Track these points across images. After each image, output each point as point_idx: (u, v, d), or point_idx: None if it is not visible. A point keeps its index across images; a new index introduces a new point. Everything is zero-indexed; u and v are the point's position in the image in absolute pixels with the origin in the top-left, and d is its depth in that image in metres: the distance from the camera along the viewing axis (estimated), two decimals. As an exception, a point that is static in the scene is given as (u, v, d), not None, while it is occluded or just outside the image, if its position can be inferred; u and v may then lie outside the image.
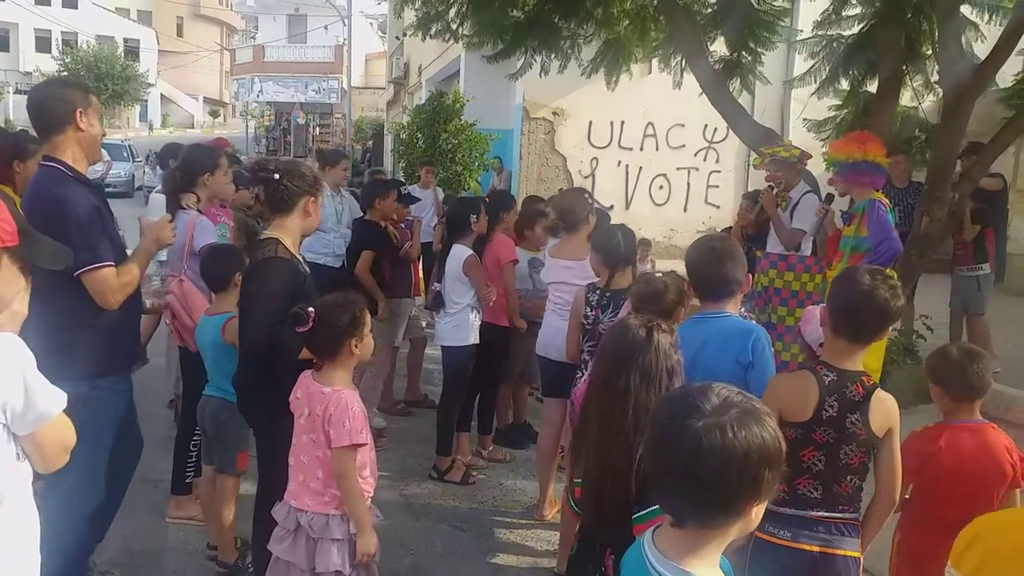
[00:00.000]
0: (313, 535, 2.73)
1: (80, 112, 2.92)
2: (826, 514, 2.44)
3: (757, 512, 1.40)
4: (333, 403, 2.69)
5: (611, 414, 2.20)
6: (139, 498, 4.19)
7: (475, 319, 4.86)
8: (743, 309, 3.23)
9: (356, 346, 2.77)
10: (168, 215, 3.38)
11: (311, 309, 2.70)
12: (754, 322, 3.16)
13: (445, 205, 7.39)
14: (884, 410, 2.42)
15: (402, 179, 9.23)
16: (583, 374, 3.74)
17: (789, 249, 5.29)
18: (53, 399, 1.80)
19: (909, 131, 7.50)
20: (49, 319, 2.74)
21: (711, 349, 2.80)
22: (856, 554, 2.47)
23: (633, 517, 2.19)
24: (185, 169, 4.18)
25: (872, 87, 6.77)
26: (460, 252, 4.85)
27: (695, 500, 1.37)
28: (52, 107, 2.92)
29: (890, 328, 2.55)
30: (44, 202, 2.84)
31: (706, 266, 2.90)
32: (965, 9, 5.94)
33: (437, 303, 5.09)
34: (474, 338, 4.86)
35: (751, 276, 3.05)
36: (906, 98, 7.13)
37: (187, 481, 4.10)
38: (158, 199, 3.45)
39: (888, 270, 2.92)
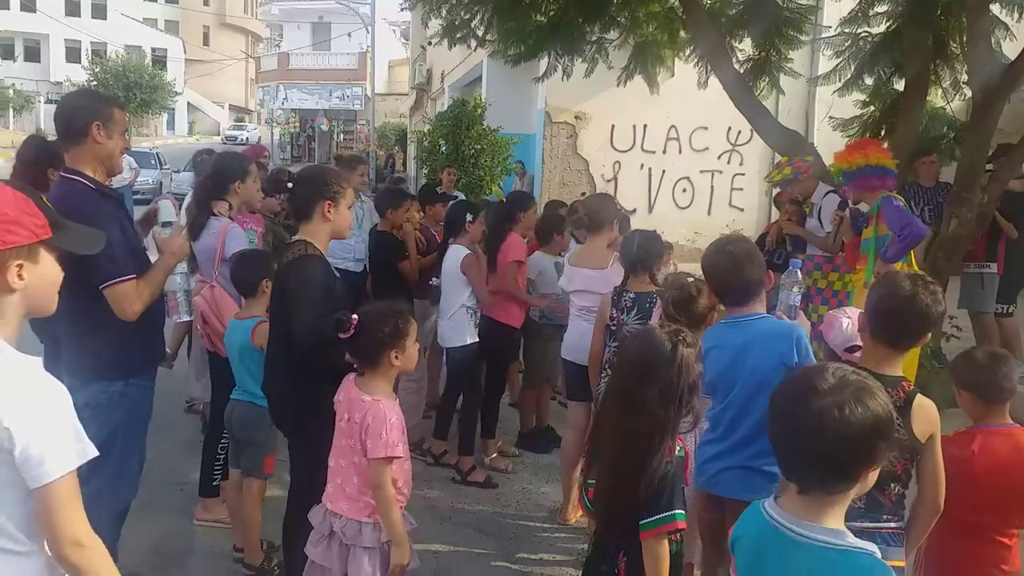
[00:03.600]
0: (346, 541, 2.74)
1: (98, 125, 2.91)
2: (870, 524, 2.38)
3: (872, 476, 1.58)
4: (372, 413, 2.68)
5: (627, 426, 2.19)
6: (166, 501, 4.25)
7: (472, 318, 4.87)
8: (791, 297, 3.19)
9: (397, 357, 2.74)
10: (182, 226, 3.38)
11: (355, 316, 2.69)
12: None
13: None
14: (926, 416, 2.37)
15: (431, 183, 9.24)
16: (607, 375, 3.76)
17: (828, 252, 5.28)
18: (60, 458, 1.61)
19: (937, 130, 7.41)
20: (83, 322, 2.79)
21: (755, 351, 2.76)
22: (900, 563, 2.42)
23: (641, 523, 2.18)
24: (216, 177, 4.22)
25: (899, 85, 6.71)
26: (458, 252, 4.87)
27: (818, 471, 1.56)
28: (71, 118, 2.94)
29: (929, 334, 2.50)
30: (66, 217, 2.88)
31: (725, 272, 2.87)
32: (995, 8, 5.86)
33: (434, 298, 5.14)
34: (472, 337, 4.87)
35: (771, 272, 3.02)
36: (935, 96, 7.05)
37: (214, 484, 4.13)
38: (166, 205, 3.45)
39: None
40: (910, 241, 4.40)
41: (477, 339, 4.89)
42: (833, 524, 1.59)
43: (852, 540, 1.58)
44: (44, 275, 1.75)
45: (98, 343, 2.83)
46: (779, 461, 1.66)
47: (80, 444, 1.67)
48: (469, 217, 4.93)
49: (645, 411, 2.16)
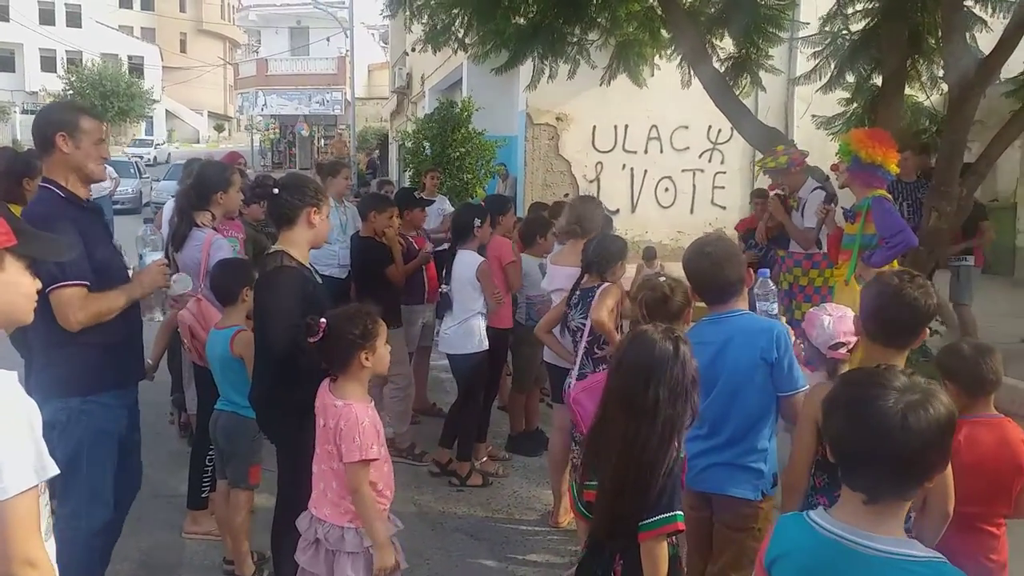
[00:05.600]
0: (329, 547, 2.73)
1: (63, 136, 2.89)
2: None
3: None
4: (344, 418, 2.68)
5: (637, 428, 2.17)
6: (154, 514, 4.21)
7: (483, 324, 4.87)
8: (767, 307, 3.21)
9: (367, 359, 2.74)
10: (163, 260, 3.29)
11: (322, 320, 2.69)
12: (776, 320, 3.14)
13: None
14: None
15: (410, 187, 9.18)
16: (576, 375, 3.82)
17: (807, 249, 5.29)
18: (17, 475, 1.57)
19: (919, 123, 7.48)
20: (47, 336, 2.74)
21: (735, 347, 2.77)
22: None
23: (640, 524, 2.18)
24: (199, 187, 4.19)
25: (879, 81, 6.77)
26: (471, 259, 4.86)
27: (896, 475, 1.49)
28: (39, 130, 2.94)
29: (926, 329, 2.50)
30: (31, 223, 2.83)
31: (704, 273, 2.88)
32: (969, 3, 5.92)
33: (444, 306, 5.09)
34: (483, 343, 4.86)
35: (751, 270, 3.04)
36: (916, 90, 7.12)
37: (203, 496, 4.10)
38: (152, 239, 3.37)
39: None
40: (898, 250, 4.40)
41: (487, 344, 4.88)
42: (901, 535, 1.54)
43: (929, 551, 1.52)
44: (10, 283, 1.71)
45: (57, 358, 2.76)
46: (843, 469, 1.57)
47: (40, 462, 1.62)
48: (478, 222, 4.92)
49: (656, 411, 2.15)
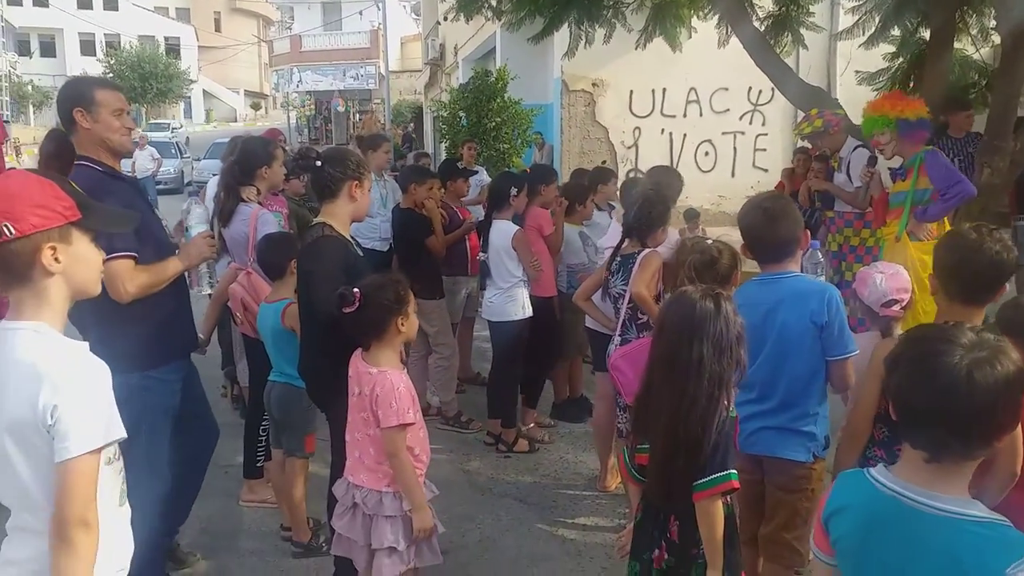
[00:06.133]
0: (367, 511, 2.79)
1: (80, 111, 2.92)
2: None
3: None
4: (379, 384, 2.73)
5: (683, 387, 2.17)
6: (211, 484, 4.29)
7: (526, 293, 4.88)
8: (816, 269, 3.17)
9: (402, 324, 2.80)
10: (209, 232, 3.34)
11: (356, 289, 2.73)
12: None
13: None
14: None
15: (452, 158, 9.18)
16: (620, 338, 3.82)
17: (858, 208, 5.20)
18: (84, 436, 1.64)
19: (968, 78, 7.24)
20: (100, 313, 2.75)
21: (785, 309, 2.74)
22: None
23: (695, 484, 2.19)
24: (243, 163, 4.24)
25: (926, 35, 6.56)
26: (507, 227, 4.87)
27: (960, 435, 1.44)
28: (60, 108, 2.98)
29: (1005, 285, 2.43)
30: None
31: (759, 229, 2.82)
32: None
33: (484, 274, 5.12)
34: (527, 311, 4.88)
35: (808, 233, 2.98)
36: (965, 43, 6.88)
37: (258, 465, 4.21)
38: (199, 213, 3.43)
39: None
40: (955, 202, 4.30)
41: (531, 312, 4.90)
42: (964, 495, 1.50)
43: (991, 512, 1.48)
44: (80, 256, 1.77)
45: (113, 335, 2.78)
46: (906, 426, 1.54)
47: (107, 426, 1.69)
48: (514, 191, 4.92)
49: (702, 367, 2.15)
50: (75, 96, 2.94)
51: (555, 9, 7.29)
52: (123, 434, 1.74)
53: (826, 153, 5.52)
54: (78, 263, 1.77)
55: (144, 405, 2.91)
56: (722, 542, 2.22)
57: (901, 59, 7.11)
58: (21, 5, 45.48)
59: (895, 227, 4.53)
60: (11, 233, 1.64)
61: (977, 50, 7.11)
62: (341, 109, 38.13)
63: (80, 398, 1.65)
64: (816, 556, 1.70)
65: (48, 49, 47.61)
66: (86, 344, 1.76)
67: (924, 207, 4.38)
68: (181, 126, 41.98)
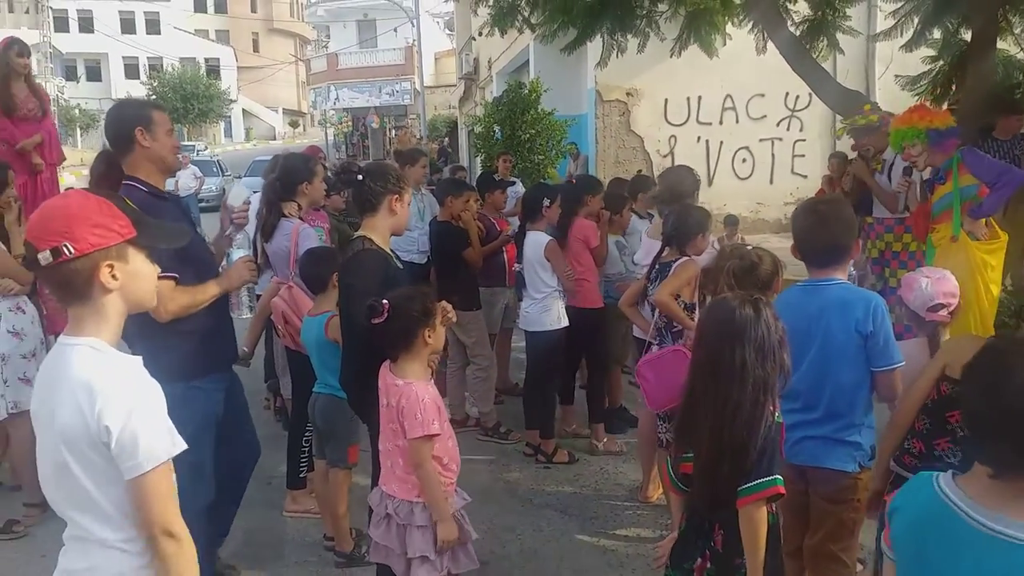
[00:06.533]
0: (400, 521, 2.82)
1: (141, 130, 2.99)
2: None
3: None
4: (405, 396, 2.76)
5: (727, 393, 2.15)
6: (255, 495, 4.36)
7: (562, 303, 4.87)
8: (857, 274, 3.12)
9: (429, 336, 2.82)
10: (250, 256, 3.40)
11: (384, 301, 2.76)
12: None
13: None
14: None
15: (489, 170, 9.23)
16: (656, 345, 3.82)
17: (893, 212, 5.13)
18: (151, 451, 1.70)
19: (1012, 79, 7.08)
20: (144, 325, 2.79)
21: (829, 317, 2.70)
22: None
23: (739, 490, 2.16)
24: (284, 179, 4.32)
25: (967, 36, 6.44)
26: (539, 238, 4.87)
27: None
28: (115, 130, 3.04)
29: None
30: None
31: (809, 231, 2.78)
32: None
33: (520, 285, 5.13)
34: (563, 321, 4.87)
35: (859, 242, 2.92)
36: (1008, 43, 6.75)
37: (301, 476, 4.26)
38: (239, 190, 3.51)
39: None
40: (1008, 190, 4.20)
41: (567, 322, 4.89)
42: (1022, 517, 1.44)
43: None
44: (136, 272, 1.82)
45: (156, 347, 2.80)
46: (973, 440, 1.51)
47: (171, 438, 1.75)
48: (547, 202, 4.94)
49: (746, 372, 2.13)
50: (136, 117, 3.02)
51: (588, 19, 7.31)
52: (185, 445, 1.79)
53: (869, 151, 5.42)
54: (135, 279, 1.82)
55: (190, 415, 2.95)
56: (764, 550, 2.18)
57: (941, 61, 6.98)
58: (68, 32, 46.97)
59: (948, 229, 4.44)
60: (71, 252, 1.69)
61: (1021, 49, 6.96)
62: (375, 126, 38.56)
63: (142, 414, 1.70)
64: (883, 551, 1.70)
65: (94, 73, 49.06)
66: (139, 359, 1.81)
67: (977, 204, 4.28)
68: (206, 147, 42.87)
